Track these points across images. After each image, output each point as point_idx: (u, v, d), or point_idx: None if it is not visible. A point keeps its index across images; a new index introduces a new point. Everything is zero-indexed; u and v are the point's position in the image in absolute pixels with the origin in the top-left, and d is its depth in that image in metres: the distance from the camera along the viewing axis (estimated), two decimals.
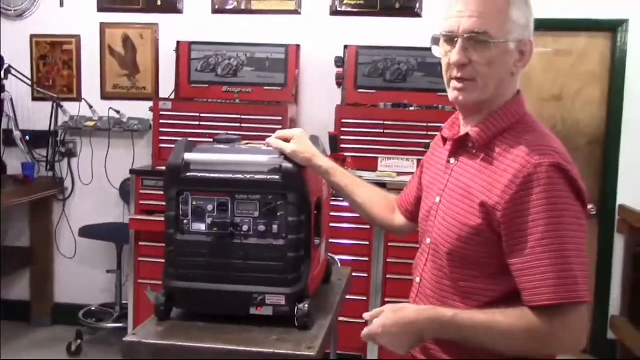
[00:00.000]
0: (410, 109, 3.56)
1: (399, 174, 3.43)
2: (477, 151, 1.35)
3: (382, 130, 3.52)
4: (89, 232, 3.92)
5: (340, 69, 3.75)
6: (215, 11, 4.04)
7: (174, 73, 3.91)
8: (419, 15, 3.88)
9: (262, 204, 1.44)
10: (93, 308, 4.06)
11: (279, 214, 1.44)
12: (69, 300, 4.17)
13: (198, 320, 1.46)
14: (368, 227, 3.29)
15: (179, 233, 1.47)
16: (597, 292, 3.83)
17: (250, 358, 1.33)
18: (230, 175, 1.45)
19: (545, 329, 1.21)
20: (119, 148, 4.08)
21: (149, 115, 3.84)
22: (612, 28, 3.81)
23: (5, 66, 3.87)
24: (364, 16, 3.93)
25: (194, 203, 1.46)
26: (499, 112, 1.35)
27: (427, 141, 3.29)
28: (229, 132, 1.79)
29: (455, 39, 1.31)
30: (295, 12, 3.97)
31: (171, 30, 4.04)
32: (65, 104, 4.03)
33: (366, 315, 1.34)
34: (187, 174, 1.46)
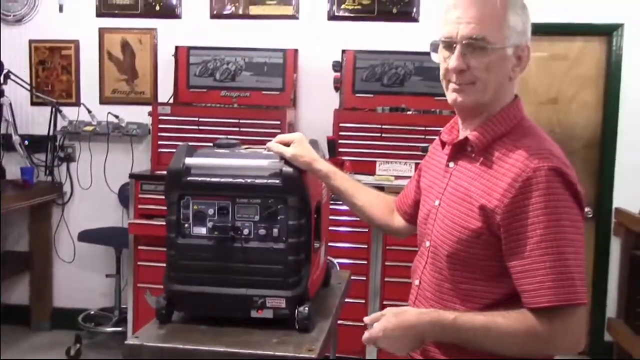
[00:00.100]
0: (408, 113, 3.58)
1: (397, 177, 3.45)
2: (476, 155, 1.37)
3: (379, 134, 3.54)
4: (88, 236, 3.93)
5: (338, 74, 3.77)
6: (213, 16, 4.06)
7: (173, 78, 3.93)
8: (416, 20, 3.91)
9: (263, 208, 1.45)
10: (92, 312, 4.07)
11: (279, 217, 1.45)
12: (68, 305, 4.18)
13: (199, 323, 1.47)
14: (366, 230, 3.31)
15: (180, 237, 1.49)
16: (593, 294, 3.85)
17: None
18: (230, 180, 1.46)
19: (545, 331, 1.23)
20: (117, 152, 4.09)
21: (148, 120, 3.86)
22: (608, 32, 3.84)
23: (5, 71, 3.88)
24: (361, 21, 3.95)
25: (195, 207, 1.48)
26: (497, 116, 1.36)
27: (425, 145, 3.30)
28: (229, 137, 1.80)
29: (454, 45, 1.33)
30: (293, 16, 4.00)
31: (169, 35, 4.06)
32: (64, 109, 4.04)
33: (367, 319, 1.35)
34: (188, 178, 1.48)
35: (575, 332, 1.25)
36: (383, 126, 3.54)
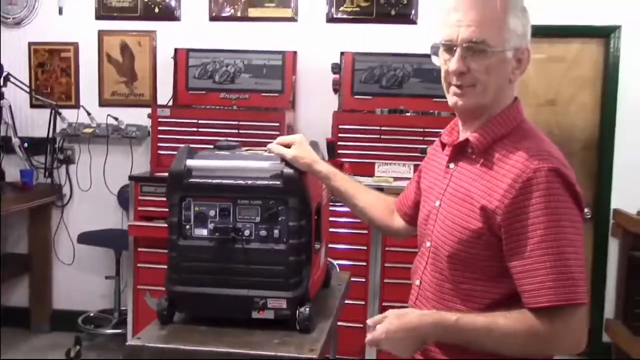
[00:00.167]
0: (407, 114, 3.59)
1: (396, 179, 3.46)
2: (476, 156, 1.38)
3: (378, 136, 3.55)
4: (87, 238, 3.94)
5: (337, 76, 3.78)
6: (212, 18, 4.07)
7: (172, 80, 3.94)
8: (414, 22, 3.92)
9: (264, 209, 1.46)
10: (92, 314, 4.08)
11: (280, 218, 1.46)
12: (68, 307, 4.18)
13: (200, 324, 1.48)
14: (365, 231, 3.32)
15: (182, 238, 1.50)
16: (592, 295, 3.87)
17: None
18: (232, 181, 1.47)
19: (547, 331, 1.24)
20: (117, 155, 4.10)
21: (147, 122, 3.86)
22: (605, 34, 3.86)
23: (4, 73, 3.88)
24: (360, 23, 3.96)
25: (196, 209, 1.49)
26: (497, 118, 1.38)
27: (424, 146, 3.32)
28: (229, 139, 1.81)
29: (454, 48, 1.34)
30: (292, 19, 4.01)
31: (169, 37, 4.07)
32: (64, 111, 4.05)
33: (369, 321, 1.36)
34: (190, 180, 1.49)
35: (577, 331, 1.26)
36: (382, 128, 3.55)
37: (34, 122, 4.19)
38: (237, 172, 1.48)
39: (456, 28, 1.33)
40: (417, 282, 1.49)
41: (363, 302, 3.32)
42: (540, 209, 1.24)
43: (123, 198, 3.99)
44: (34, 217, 4.19)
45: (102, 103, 4.16)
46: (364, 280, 3.32)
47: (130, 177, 3.56)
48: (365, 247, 3.34)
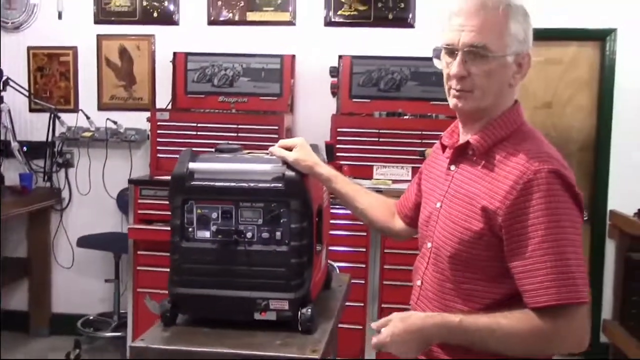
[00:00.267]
0: (405, 117, 3.61)
1: (394, 181, 3.48)
2: (477, 158, 1.40)
3: (377, 139, 3.57)
4: (86, 241, 3.94)
5: (335, 79, 3.80)
6: (211, 22, 4.08)
7: (171, 84, 3.95)
8: (411, 26, 3.94)
9: (266, 212, 1.48)
10: (91, 317, 4.08)
11: (282, 221, 1.47)
12: (67, 310, 4.18)
13: (203, 325, 1.49)
14: (364, 234, 3.33)
15: (184, 241, 1.51)
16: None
17: None
18: (234, 184, 1.49)
19: (549, 330, 1.25)
20: (116, 158, 4.11)
21: (146, 126, 3.88)
22: (601, 37, 3.89)
23: (3, 78, 3.89)
24: (357, 27, 3.98)
25: (199, 211, 1.50)
26: (498, 120, 1.39)
27: (422, 149, 3.35)
28: (229, 142, 1.82)
29: (455, 52, 1.35)
30: (290, 23, 4.03)
31: (167, 41, 4.08)
32: (63, 115, 4.06)
33: (373, 325, 1.38)
34: (192, 183, 1.50)
35: (579, 330, 1.28)
36: (380, 131, 3.57)
37: (33, 126, 4.19)
38: (239, 174, 1.50)
39: (458, 32, 1.35)
40: (419, 283, 1.51)
41: (362, 304, 3.34)
42: (541, 209, 1.26)
43: (122, 201, 3.99)
44: (33, 221, 4.19)
45: (101, 107, 4.16)
46: (363, 282, 3.33)
47: (130, 181, 3.57)
48: (364, 249, 3.36)
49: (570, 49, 3.98)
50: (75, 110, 4.12)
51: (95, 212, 4.15)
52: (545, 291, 1.24)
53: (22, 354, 3.91)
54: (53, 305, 4.26)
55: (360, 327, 3.31)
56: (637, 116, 3.85)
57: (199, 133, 3.59)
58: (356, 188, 1.69)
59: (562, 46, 3.96)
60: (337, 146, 3.54)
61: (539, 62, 3.88)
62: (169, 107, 3.91)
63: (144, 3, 4.10)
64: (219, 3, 4.06)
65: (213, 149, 1.65)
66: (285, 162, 1.52)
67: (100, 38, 4.15)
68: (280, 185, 1.48)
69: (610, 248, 3.93)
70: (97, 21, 4.15)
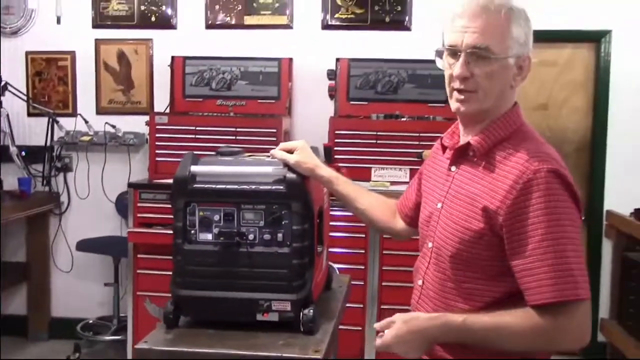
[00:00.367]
0: (402, 119, 3.64)
1: (393, 183, 3.50)
2: (477, 159, 1.42)
3: (375, 141, 3.59)
4: (86, 245, 3.94)
5: (333, 82, 3.82)
6: (208, 26, 4.10)
7: (169, 87, 3.96)
8: (408, 29, 3.97)
9: (267, 214, 1.49)
10: (90, 321, 4.08)
11: (283, 222, 1.49)
12: (66, 314, 4.18)
13: (206, 327, 1.51)
14: (363, 235, 3.35)
15: (187, 243, 1.52)
16: None
17: None
18: (236, 186, 1.50)
19: (551, 326, 1.27)
20: (114, 162, 4.12)
21: (145, 129, 3.89)
22: (596, 39, 3.92)
23: (2, 83, 3.90)
24: (354, 30, 4.00)
25: (201, 213, 1.52)
26: (498, 122, 1.42)
27: (420, 151, 3.37)
28: (230, 145, 1.84)
29: (458, 53, 1.38)
30: (288, 26, 4.05)
31: (165, 45, 4.09)
32: (61, 119, 4.07)
33: (376, 326, 1.39)
34: (194, 186, 1.51)
35: (581, 326, 1.30)
36: (378, 133, 3.58)
37: (32, 131, 4.20)
38: (240, 177, 1.51)
39: (461, 34, 1.37)
40: (420, 282, 1.53)
41: (361, 305, 3.35)
42: (541, 208, 1.28)
43: (121, 205, 4.00)
44: (32, 225, 4.20)
45: (100, 111, 4.18)
46: (362, 283, 3.35)
47: (130, 184, 3.57)
48: (363, 251, 3.37)
49: (566, 50, 4.01)
50: (74, 114, 4.13)
51: (94, 216, 4.16)
52: (546, 289, 1.26)
53: (21, 358, 3.90)
54: (52, 310, 4.26)
55: (360, 329, 3.32)
56: (633, 117, 3.88)
57: (197, 136, 3.60)
58: (357, 189, 1.71)
59: (557, 48, 3.99)
60: (335, 148, 3.56)
61: (534, 63, 3.88)
62: (167, 110, 3.92)
63: (142, 7, 4.12)
64: (217, 7, 4.08)
65: (213, 152, 1.66)
66: (286, 165, 1.53)
67: (98, 42, 4.16)
68: (281, 187, 1.50)
69: (607, 248, 3.95)
70: (95, 26, 4.16)
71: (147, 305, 3.28)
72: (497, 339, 1.31)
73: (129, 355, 3.53)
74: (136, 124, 4.00)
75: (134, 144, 4.06)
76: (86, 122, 4.00)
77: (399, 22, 3.97)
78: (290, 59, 3.92)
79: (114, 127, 4.01)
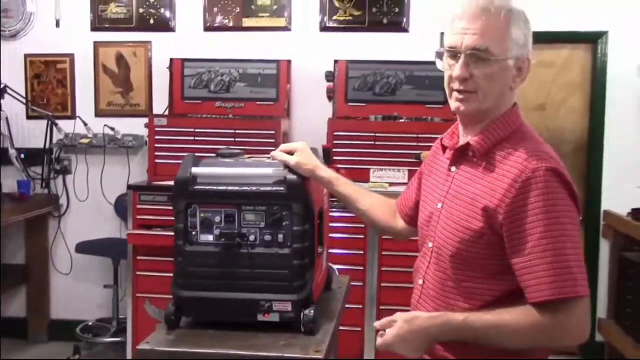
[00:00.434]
0: (400, 121, 3.65)
1: (391, 184, 3.51)
2: (477, 159, 1.44)
3: (373, 142, 3.60)
4: (85, 247, 3.95)
5: (331, 83, 3.83)
6: (207, 29, 4.11)
7: (167, 90, 3.97)
8: (406, 31, 3.98)
9: (268, 215, 1.51)
10: (90, 323, 4.08)
11: (284, 223, 1.50)
12: (66, 316, 4.19)
13: (207, 328, 1.52)
14: (362, 236, 3.36)
15: (188, 244, 1.53)
16: None
17: None
18: (236, 188, 1.51)
19: (550, 323, 1.29)
20: (113, 164, 4.13)
21: (143, 132, 3.89)
22: (593, 40, 3.94)
23: (1, 86, 3.90)
24: (352, 31, 4.02)
25: (202, 215, 1.53)
26: (497, 122, 1.43)
27: (418, 152, 3.38)
28: (230, 147, 1.85)
29: (458, 54, 1.39)
30: (286, 28, 4.06)
31: (164, 47, 4.10)
32: (60, 122, 4.08)
33: (377, 324, 1.41)
34: (195, 187, 1.53)
35: (580, 323, 1.31)
36: (376, 134, 3.59)
37: (31, 133, 4.21)
38: (241, 178, 1.53)
39: (461, 35, 1.38)
40: (420, 282, 1.54)
41: (360, 306, 3.36)
42: (540, 207, 1.30)
43: (120, 207, 4.01)
44: (31, 228, 4.20)
45: (98, 113, 4.18)
46: (361, 284, 3.36)
47: (129, 186, 3.57)
48: (362, 252, 3.38)
49: (563, 51, 4.03)
50: (73, 117, 4.13)
51: (93, 218, 4.16)
52: (545, 286, 1.28)
53: None
54: (52, 312, 4.26)
55: (359, 329, 3.34)
56: (629, 117, 3.90)
57: (196, 138, 3.61)
58: (357, 189, 1.72)
59: (555, 49, 4.01)
60: (334, 150, 3.57)
61: (532, 64, 3.92)
62: (166, 112, 3.93)
63: (140, 10, 4.13)
64: (215, 9, 4.09)
65: (213, 154, 1.67)
66: (286, 166, 1.55)
67: (97, 45, 4.17)
68: (282, 188, 1.51)
69: (604, 248, 3.97)
70: (94, 28, 4.17)
71: (147, 307, 3.27)
72: (498, 336, 1.33)
73: (129, 357, 3.54)
74: (135, 126, 4.01)
75: (132, 146, 4.07)
76: (85, 124, 4.00)
77: (396, 23, 3.99)
78: (289, 61, 3.94)
79: (112, 129, 4.02)
